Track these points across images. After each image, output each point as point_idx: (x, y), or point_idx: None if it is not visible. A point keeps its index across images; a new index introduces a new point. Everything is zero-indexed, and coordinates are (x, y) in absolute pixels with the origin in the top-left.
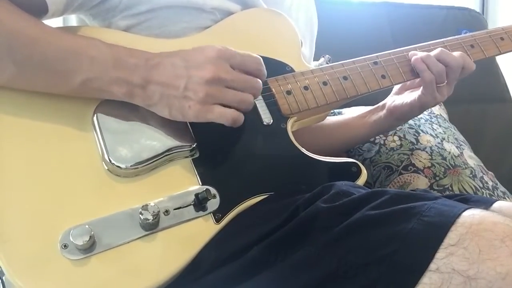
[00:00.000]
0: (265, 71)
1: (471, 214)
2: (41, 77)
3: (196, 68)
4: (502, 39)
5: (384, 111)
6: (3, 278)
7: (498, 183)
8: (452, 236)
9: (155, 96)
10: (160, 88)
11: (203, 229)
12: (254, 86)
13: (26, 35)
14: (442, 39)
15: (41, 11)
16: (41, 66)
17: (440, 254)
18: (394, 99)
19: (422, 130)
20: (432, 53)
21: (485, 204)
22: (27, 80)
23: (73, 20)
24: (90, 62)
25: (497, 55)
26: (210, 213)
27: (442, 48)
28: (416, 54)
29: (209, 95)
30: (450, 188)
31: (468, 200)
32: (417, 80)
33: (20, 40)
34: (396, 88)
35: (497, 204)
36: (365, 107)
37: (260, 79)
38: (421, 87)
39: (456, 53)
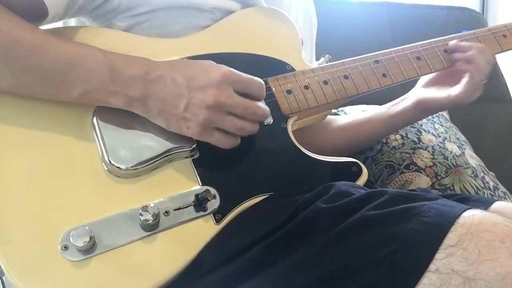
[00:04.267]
0: (264, 95)
1: (470, 215)
2: (41, 88)
3: (198, 89)
4: (504, 36)
5: (410, 103)
6: (3, 278)
7: (499, 183)
8: (451, 237)
9: (154, 110)
10: (159, 104)
11: (203, 230)
12: (255, 113)
13: (22, 46)
14: (443, 37)
15: (41, 16)
16: (39, 78)
17: (439, 255)
18: (421, 92)
19: (424, 129)
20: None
21: (485, 203)
22: (27, 89)
23: (72, 20)
24: (87, 75)
25: (499, 52)
26: (210, 213)
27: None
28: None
29: (209, 120)
30: (451, 188)
31: (468, 200)
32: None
33: (17, 52)
34: (422, 81)
35: (497, 204)
36: (368, 106)
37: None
38: (461, 85)
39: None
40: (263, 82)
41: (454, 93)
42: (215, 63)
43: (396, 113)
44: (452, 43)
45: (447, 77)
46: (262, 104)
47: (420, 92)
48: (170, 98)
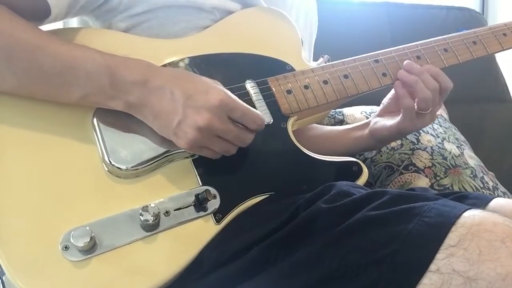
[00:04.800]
0: (260, 127)
1: (471, 215)
2: (41, 89)
3: (193, 109)
4: (505, 35)
5: (367, 131)
6: (3, 278)
7: (499, 183)
8: (452, 237)
9: (149, 118)
10: (154, 114)
11: (203, 230)
12: (243, 141)
13: (23, 48)
14: (443, 36)
15: (44, 15)
16: (39, 79)
17: (440, 255)
18: (376, 121)
19: (422, 130)
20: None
21: (484, 201)
22: (28, 91)
23: (73, 20)
24: (87, 78)
25: (499, 51)
26: (210, 213)
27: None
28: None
29: (198, 140)
30: (450, 188)
31: (466, 197)
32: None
33: (18, 53)
34: (379, 109)
35: (496, 201)
36: (368, 107)
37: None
38: (401, 114)
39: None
40: (260, 115)
41: (397, 122)
42: (217, 86)
43: (356, 139)
44: (406, 62)
45: (396, 104)
46: (252, 135)
47: (375, 120)
48: (165, 112)
